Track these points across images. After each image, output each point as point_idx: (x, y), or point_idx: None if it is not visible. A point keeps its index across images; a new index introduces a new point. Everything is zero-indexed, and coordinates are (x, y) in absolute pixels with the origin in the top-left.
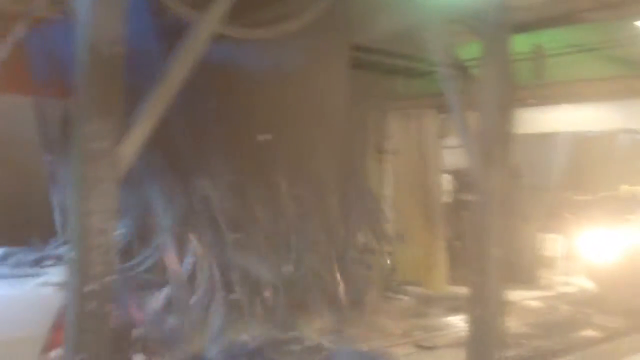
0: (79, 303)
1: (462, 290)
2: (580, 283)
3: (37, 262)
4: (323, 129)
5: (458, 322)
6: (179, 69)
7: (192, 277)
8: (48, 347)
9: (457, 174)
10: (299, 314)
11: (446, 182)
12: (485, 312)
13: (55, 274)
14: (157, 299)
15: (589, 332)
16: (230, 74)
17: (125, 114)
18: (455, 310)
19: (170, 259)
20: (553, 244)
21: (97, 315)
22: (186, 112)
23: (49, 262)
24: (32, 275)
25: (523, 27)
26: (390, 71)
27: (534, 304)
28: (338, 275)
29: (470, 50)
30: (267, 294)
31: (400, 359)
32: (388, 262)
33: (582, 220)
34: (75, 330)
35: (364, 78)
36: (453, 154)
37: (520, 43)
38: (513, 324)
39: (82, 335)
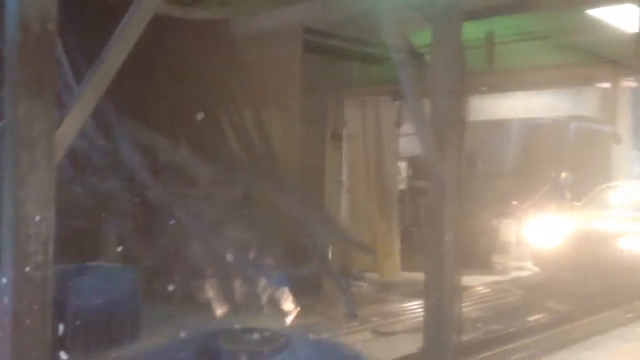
0: (16, 296)
1: (419, 277)
2: (533, 268)
3: None
4: (276, 112)
5: (415, 308)
6: (120, 49)
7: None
8: None
9: (412, 161)
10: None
11: (402, 169)
12: (441, 297)
13: None
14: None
15: (541, 316)
16: (173, 54)
17: (61, 96)
18: (412, 296)
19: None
20: (507, 229)
21: (36, 311)
22: (126, 94)
23: None
24: None
25: (474, 14)
26: (346, 56)
27: (489, 288)
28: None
29: (425, 37)
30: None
31: (358, 345)
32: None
33: (530, 206)
34: (12, 328)
35: (319, 63)
36: (409, 142)
37: (472, 30)
38: (469, 309)
39: (18, 334)
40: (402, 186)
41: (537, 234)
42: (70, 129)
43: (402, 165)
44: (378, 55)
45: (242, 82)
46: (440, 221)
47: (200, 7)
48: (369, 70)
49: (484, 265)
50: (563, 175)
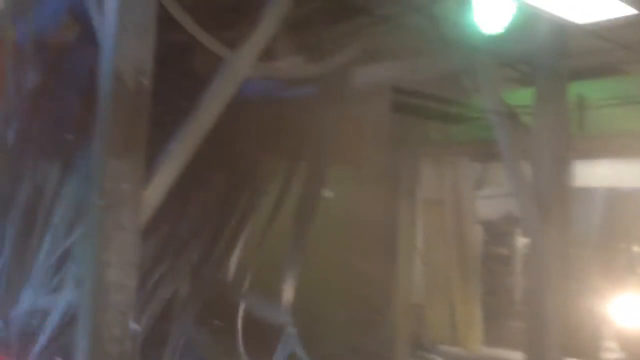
0: None
1: (498, 353)
2: (618, 351)
3: None
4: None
5: None
6: (211, 107)
7: None
8: None
9: (488, 225)
10: None
11: (478, 233)
12: None
13: None
14: None
15: None
16: (263, 112)
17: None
18: None
19: None
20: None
21: None
22: (219, 150)
23: None
24: None
25: (580, 75)
26: (426, 115)
27: None
28: None
29: (520, 97)
30: None
31: None
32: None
33: (611, 281)
34: None
35: (398, 121)
36: (484, 205)
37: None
38: None
39: None
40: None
41: (623, 313)
42: (159, 188)
43: (478, 229)
44: (459, 115)
45: (324, 139)
46: (541, 298)
47: (292, 65)
48: (448, 130)
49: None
50: (636, 249)
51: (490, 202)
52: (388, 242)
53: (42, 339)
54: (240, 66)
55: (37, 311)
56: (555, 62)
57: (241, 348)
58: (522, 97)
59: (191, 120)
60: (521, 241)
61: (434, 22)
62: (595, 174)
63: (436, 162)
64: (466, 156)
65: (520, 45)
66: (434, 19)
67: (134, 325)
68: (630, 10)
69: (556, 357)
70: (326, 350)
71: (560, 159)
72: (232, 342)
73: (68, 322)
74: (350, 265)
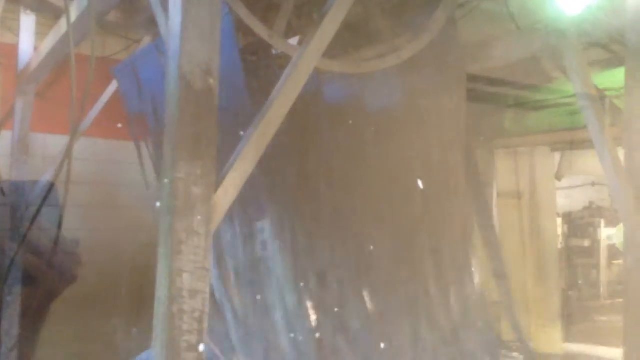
0: None
1: (584, 349)
2: None
3: None
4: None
5: None
6: (279, 107)
7: None
8: None
9: (568, 218)
10: None
11: (558, 225)
12: None
13: None
14: None
15: None
16: (335, 110)
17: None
18: None
19: None
20: None
21: None
22: (286, 153)
23: None
24: None
25: None
26: (501, 103)
27: None
28: None
29: (609, 79)
30: None
31: None
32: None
33: None
34: None
35: (472, 110)
36: (564, 196)
37: None
38: None
39: None
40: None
41: None
42: (229, 192)
43: (558, 221)
44: (536, 102)
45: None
46: (635, 302)
47: (353, 60)
48: (524, 119)
49: None
50: None
51: (571, 193)
52: (464, 233)
53: None
54: (307, 62)
55: None
56: None
57: None
58: (611, 79)
59: (259, 121)
60: (604, 232)
61: (510, 6)
62: None
63: (511, 152)
64: (544, 146)
65: (608, 24)
66: (510, 2)
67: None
68: None
69: None
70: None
71: None
72: None
73: None
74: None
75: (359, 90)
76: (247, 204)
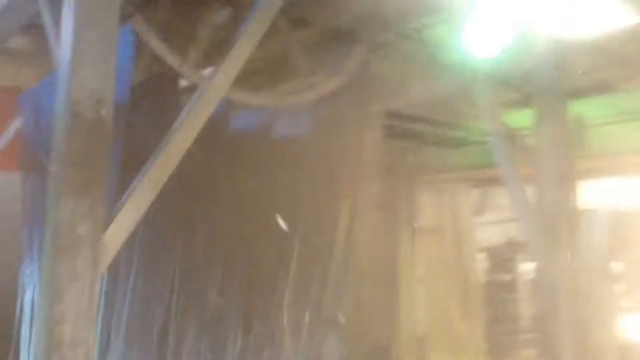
0: None
1: None
2: None
3: None
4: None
5: None
6: (181, 139)
7: None
8: None
9: (491, 252)
10: None
11: (479, 261)
12: None
13: None
14: None
15: None
16: (241, 143)
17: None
18: None
19: None
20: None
21: None
22: (184, 188)
23: None
24: None
25: (579, 93)
26: (421, 140)
27: None
28: None
29: (519, 119)
30: None
31: None
32: None
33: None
34: None
35: (393, 147)
36: (485, 231)
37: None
38: None
39: None
40: (479, 279)
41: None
42: (120, 231)
43: (481, 256)
44: (455, 140)
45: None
46: (553, 324)
47: (269, 94)
48: (446, 156)
49: None
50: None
51: (492, 229)
52: (388, 274)
53: None
54: (214, 92)
55: None
56: (554, 80)
57: None
58: (521, 119)
59: (158, 153)
60: (525, 267)
61: (427, 47)
62: (596, 194)
63: (434, 189)
64: (464, 182)
65: (517, 66)
66: (427, 44)
67: None
68: (626, 21)
69: None
70: None
71: (565, 179)
72: None
73: None
74: (350, 299)
75: (266, 124)
76: None
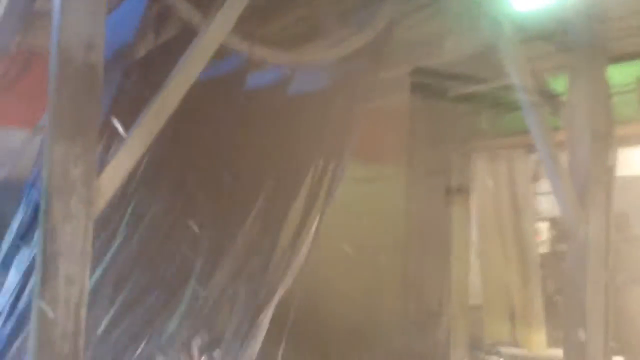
0: None
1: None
2: None
3: None
4: (391, 168)
5: None
6: (178, 86)
7: None
8: None
9: (555, 222)
10: None
11: (544, 231)
12: None
13: None
14: None
15: None
16: (256, 100)
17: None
18: None
19: None
20: None
21: None
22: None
23: None
24: None
25: (623, 56)
26: (476, 103)
27: None
28: None
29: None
30: None
31: None
32: None
33: None
34: None
35: (441, 111)
36: (551, 200)
37: (618, 74)
38: None
39: None
40: (544, 250)
41: None
42: (115, 174)
43: (544, 226)
44: (511, 102)
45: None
46: (581, 295)
47: (290, 51)
48: (501, 120)
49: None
50: None
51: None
52: (441, 242)
53: None
54: (211, 38)
55: None
56: (591, 33)
57: None
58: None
59: (155, 100)
60: None
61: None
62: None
63: (489, 155)
64: (522, 148)
65: (553, 17)
66: None
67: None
68: None
69: (597, 356)
70: (380, 351)
71: (600, 139)
72: None
73: None
74: (402, 266)
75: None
76: None
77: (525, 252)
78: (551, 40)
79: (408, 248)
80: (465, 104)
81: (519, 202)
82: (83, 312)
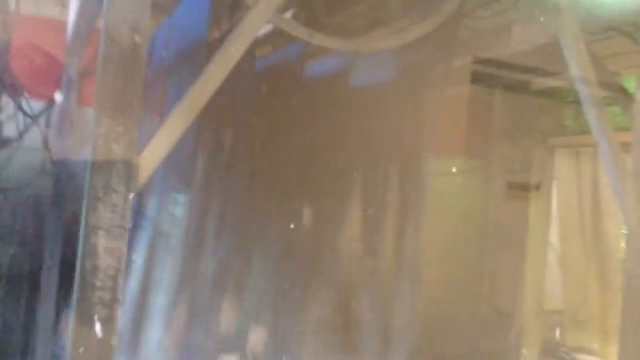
0: (75, 338)
1: None
2: None
3: None
4: (464, 162)
5: None
6: (219, 67)
7: None
8: None
9: None
10: None
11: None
12: None
13: None
14: None
15: None
16: (316, 88)
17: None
18: None
19: None
20: None
21: (102, 351)
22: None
23: None
24: None
25: None
26: (558, 98)
27: None
28: None
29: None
30: None
31: None
32: None
33: None
34: None
35: (524, 105)
36: None
37: None
38: None
39: None
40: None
41: None
42: (156, 152)
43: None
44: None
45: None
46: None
47: (351, 38)
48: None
49: None
50: None
51: None
52: (517, 241)
53: None
54: (252, 22)
55: None
56: None
57: None
58: None
59: (197, 79)
60: None
61: None
62: None
63: (573, 152)
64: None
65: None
66: None
67: None
68: None
69: None
70: (450, 351)
71: None
72: None
73: None
74: (475, 265)
75: (346, 68)
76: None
77: (607, 257)
78: (623, 31)
79: (483, 245)
80: (548, 98)
81: (603, 204)
82: (120, 281)
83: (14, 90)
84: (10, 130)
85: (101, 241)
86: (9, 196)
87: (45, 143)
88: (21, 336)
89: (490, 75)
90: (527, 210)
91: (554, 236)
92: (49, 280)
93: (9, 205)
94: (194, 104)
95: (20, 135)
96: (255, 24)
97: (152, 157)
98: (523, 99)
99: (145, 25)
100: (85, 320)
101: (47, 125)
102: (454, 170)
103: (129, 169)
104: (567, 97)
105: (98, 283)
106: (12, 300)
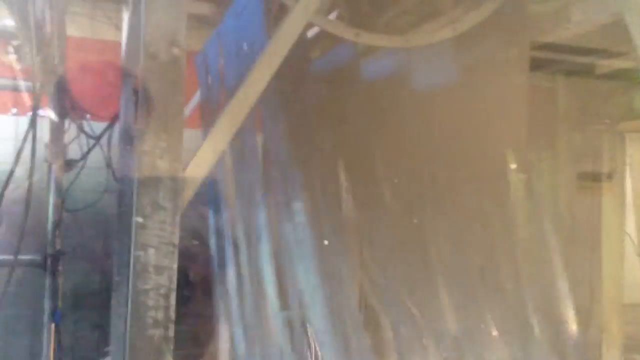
0: (136, 355)
1: None
2: None
3: None
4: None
5: None
6: (261, 72)
7: None
8: None
9: None
10: None
11: None
12: None
13: None
14: None
15: None
16: (377, 91)
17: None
18: None
19: None
20: None
21: None
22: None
23: None
24: None
25: None
26: (626, 81)
27: None
28: None
29: None
30: None
31: None
32: None
33: None
34: None
35: (593, 89)
36: None
37: None
38: None
39: None
40: None
41: None
42: (201, 166)
43: None
44: None
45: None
46: None
47: (399, 34)
48: None
49: None
50: None
51: None
52: (591, 233)
53: None
54: (293, 24)
55: None
56: None
57: None
58: None
59: (238, 89)
60: None
61: None
62: None
63: None
64: None
65: None
66: None
67: None
68: None
69: None
70: (525, 349)
71: None
72: None
73: None
74: (548, 259)
75: (404, 65)
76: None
77: None
78: None
79: (554, 239)
80: (614, 80)
81: None
82: (172, 299)
83: (76, 114)
84: (74, 153)
85: (151, 259)
86: (77, 215)
87: (108, 163)
88: (92, 353)
89: (551, 61)
90: (600, 201)
91: (630, 226)
92: (118, 298)
93: (77, 224)
94: (237, 113)
95: (84, 156)
96: (296, 26)
97: (198, 170)
98: (588, 83)
99: (183, 37)
100: (140, 340)
101: (109, 145)
102: (519, 164)
103: (175, 185)
104: (635, 79)
105: (150, 302)
106: (82, 318)
